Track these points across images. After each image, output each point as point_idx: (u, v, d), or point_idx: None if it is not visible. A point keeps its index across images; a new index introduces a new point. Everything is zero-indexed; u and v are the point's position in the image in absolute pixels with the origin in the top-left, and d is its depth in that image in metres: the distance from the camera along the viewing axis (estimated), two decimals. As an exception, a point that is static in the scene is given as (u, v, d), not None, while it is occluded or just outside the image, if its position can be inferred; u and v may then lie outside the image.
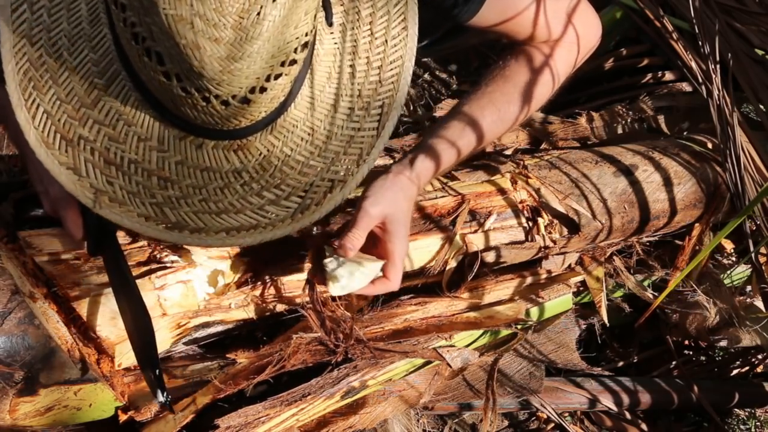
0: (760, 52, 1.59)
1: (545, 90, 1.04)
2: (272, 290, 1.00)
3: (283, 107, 0.75)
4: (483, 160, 1.28)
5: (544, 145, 1.43)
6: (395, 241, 0.92)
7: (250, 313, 1.01)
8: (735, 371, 1.69)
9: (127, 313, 0.88)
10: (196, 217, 0.75)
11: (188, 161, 0.74)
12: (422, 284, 1.16)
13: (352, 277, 0.91)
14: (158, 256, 0.95)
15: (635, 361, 1.65)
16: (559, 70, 1.04)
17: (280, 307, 1.03)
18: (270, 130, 0.76)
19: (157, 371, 0.88)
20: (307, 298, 0.98)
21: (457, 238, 1.14)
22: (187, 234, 0.75)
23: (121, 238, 0.95)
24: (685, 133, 1.59)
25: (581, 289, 1.38)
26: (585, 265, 1.34)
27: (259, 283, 0.99)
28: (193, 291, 0.95)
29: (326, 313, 0.98)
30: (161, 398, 0.88)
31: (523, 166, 1.25)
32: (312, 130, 0.77)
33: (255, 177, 0.76)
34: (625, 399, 1.52)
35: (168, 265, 0.95)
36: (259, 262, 1.01)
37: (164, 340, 0.95)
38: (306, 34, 0.69)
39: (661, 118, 1.61)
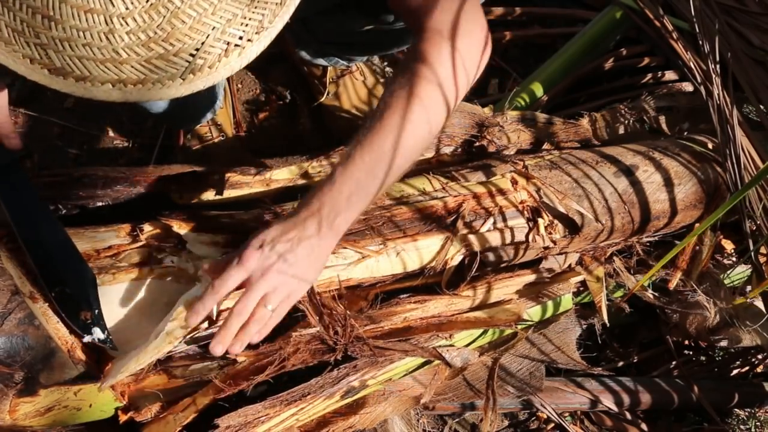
0: (761, 53, 1.60)
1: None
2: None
3: None
4: (484, 160, 1.28)
5: (545, 146, 1.43)
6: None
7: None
8: (735, 371, 1.69)
9: (43, 248, 0.88)
10: (81, 62, 0.73)
11: (71, 0, 0.71)
12: (422, 284, 1.16)
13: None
14: (158, 256, 0.95)
15: (635, 361, 1.65)
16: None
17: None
18: None
19: (97, 311, 0.87)
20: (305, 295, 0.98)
21: (458, 238, 1.14)
22: (72, 82, 0.73)
23: (121, 238, 0.95)
24: (685, 134, 1.59)
25: (581, 289, 1.38)
26: (585, 265, 1.34)
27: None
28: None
29: (325, 312, 0.98)
30: (101, 335, 0.87)
31: (524, 167, 1.25)
32: None
33: (142, 26, 0.72)
34: (626, 399, 1.52)
35: (168, 265, 0.95)
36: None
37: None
38: None
39: (661, 119, 1.61)
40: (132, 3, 0.72)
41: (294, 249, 0.86)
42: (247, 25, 0.76)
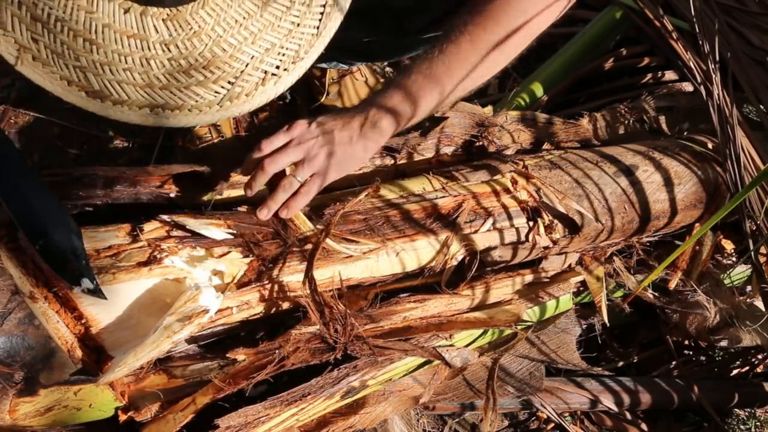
0: (761, 53, 1.60)
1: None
2: (276, 289, 1.00)
3: None
4: (484, 160, 1.28)
5: (545, 146, 1.43)
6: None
7: (252, 313, 1.01)
8: (735, 371, 1.69)
9: (23, 201, 0.86)
10: (120, 87, 0.74)
11: (115, 25, 0.72)
12: (422, 284, 1.16)
13: None
14: (158, 256, 0.95)
15: (635, 361, 1.65)
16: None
17: (283, 306, 1.03)
18: (202, 4, 0.73)
19: (84, 261, 0.85)
20: (308, 292, 0.98)
21: (457, 238, 1.14)
22: (109, 105, 0.74)
23: (120, 238, 0.95)
24: (685, 133, 1.59)
25: (581, 289, 1.38)
26: (585, 265, 1.34)
27: (260, 283, 0.99)
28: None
29: (325, 309, 0.98)
30: (90, 285, 0.85)
31: (524, 167, 1.25)
32: (247, 14, 0.75)
33: (183, 53, 0.74)
34: (626, 399, 1.52)
35: (168, 265, 0.95)
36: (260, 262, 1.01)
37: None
38: None
39: (661, 119, 1.61)
40: (176, 30, 0.73)
41: (336, 133, 0.93)
42: (284, 54, 0.78)
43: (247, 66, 0.76)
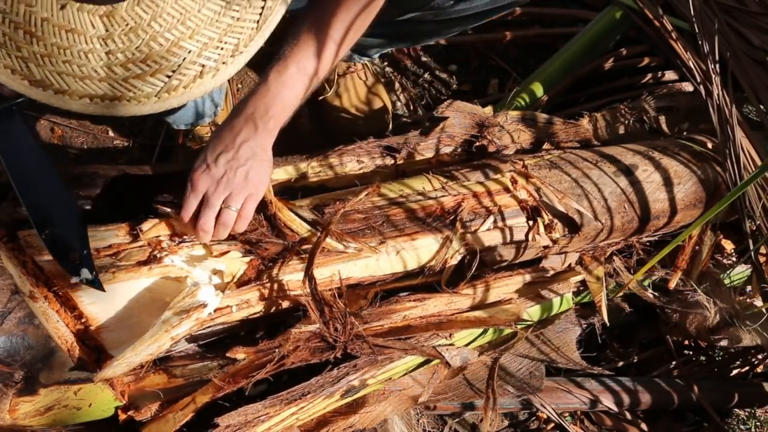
0: (761, 53, 1.60)
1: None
2: (275, 287, 1.01)
3: None
4: (484, 160, 1.28)
5: (545, 146, 1.43)
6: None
7: (252, 312, 1.01)
8: (735, 371, 1.69)
9: (35, 190, 0.89)
10: (60, 77, 0.77)
11: (53, 19, 0.75)
12: (422, 283, 1.16)
13: None
14: (158, 255, 0.95)
15: (635, 361, 1.65)
16: None
17: (283, 305, 1.03)
18: (137, 2, 0.75)
19: (85, 251, 0.88)
20: (308, 291, 0.98)
21: (457, 237, 1.14)
22: (51, 94, 0.77)
23: (120, 237, 0.95)
24: (685, 133, 1.59)
25: (581, 289, 1.38)
26: (585, 265, 1.34)
27: (260, 282, 0.99)
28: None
29: (326, 308, 0.98)
30: (89, 275, 0.87)
31: (524, 166, 1.25)
32: (185, 11, 0.77)
33: (121, 47, 0.76)
34: (625, 399, 1.52)
35: (167, 264, 0.95)
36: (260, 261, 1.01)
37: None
38: None
39: (661, 118, 1.61)
40: (112, 25, 0.75)
41: (237, 156, 0.94)
42: (222, 48, 0.79)
43: (184, 60, 0.78)
